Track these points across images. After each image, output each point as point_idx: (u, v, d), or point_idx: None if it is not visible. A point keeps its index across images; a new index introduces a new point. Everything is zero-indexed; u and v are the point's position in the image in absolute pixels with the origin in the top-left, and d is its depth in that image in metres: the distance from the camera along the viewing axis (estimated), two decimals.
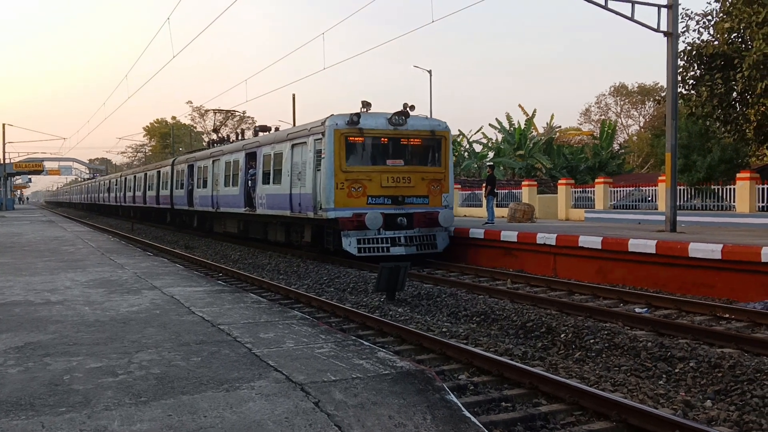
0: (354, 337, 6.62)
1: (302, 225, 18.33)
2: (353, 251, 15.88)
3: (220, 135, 31.93)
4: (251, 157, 21.86)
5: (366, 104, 17.09)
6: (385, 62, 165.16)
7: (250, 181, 21.77)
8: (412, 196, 16.79)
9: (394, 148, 16.90)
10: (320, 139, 16.47)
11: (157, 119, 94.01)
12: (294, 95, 43.86)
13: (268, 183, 19.83)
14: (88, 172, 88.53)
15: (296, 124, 26.29)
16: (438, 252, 16.92)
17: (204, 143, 72.20)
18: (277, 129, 23.82)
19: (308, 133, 17.26)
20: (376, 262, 14.95)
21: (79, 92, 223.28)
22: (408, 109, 16.94)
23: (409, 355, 7.46)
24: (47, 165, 76.80)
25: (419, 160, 17.31)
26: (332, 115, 16.52)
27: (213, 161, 25.84)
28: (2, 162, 60.66)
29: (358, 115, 16.34)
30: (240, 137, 27.07)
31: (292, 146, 18.22)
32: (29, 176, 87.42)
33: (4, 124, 60.54)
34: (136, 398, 4.37)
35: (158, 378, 4.84)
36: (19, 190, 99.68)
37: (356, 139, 16.44)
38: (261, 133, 23.36)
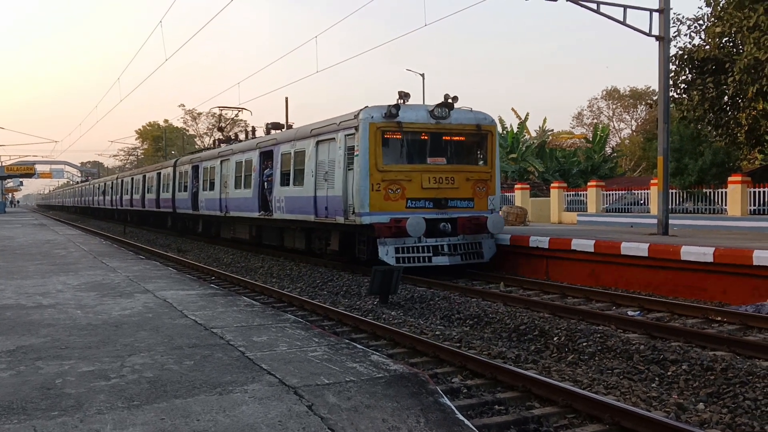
0: (347, 341, 6.62)
1: (328, 231, 16.55)
2: (391, 261, 14.12)
3: (226, 134, 30.13)
4: (267, 156, 19.92)
5: (404, 95, 15.14)
6: (380, 64, 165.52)
7: (265, 183, 19.93)
8: (456, 199, 15.01)
9: (436, 144, 15.10)
10: (353, 134, 14.65)
11: (150, 122, 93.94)
12: (287, 98, 43.68)
13: (288, 184, 17.96)
14: (80, 175, 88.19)
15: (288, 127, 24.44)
16: (484, 262, 15.22)
17: (196, 146, 72.17)
18: (290, 127, 21.84)
19: (337, 128, 15.38)
20: (415, 273, 14.17)
21: (71, 95, 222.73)
22: (450, 100, 15.09)
23: (402, 359, 7.46)
24: (39, 168, 76.40)
25: (463, 158, 15.58)
26: (367, 106, 14.71)
27: (221, 161, 23.88)
28: None
29: (397, 106, 14.55)
30: (252, 135, 24.97)
31: (317, 143, 16.36)
32: (20, 179, 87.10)
33: None
34: (129, 402, 4.35)
35: (151, 382, 4.82)
36: (10, 194, 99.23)
37: (394, 134, 14.68)
38: (273, 131, 21.68)
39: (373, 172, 14.29)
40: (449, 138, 15.29)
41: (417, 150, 15.09)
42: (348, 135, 14.93)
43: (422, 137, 15.03)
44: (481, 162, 15.71)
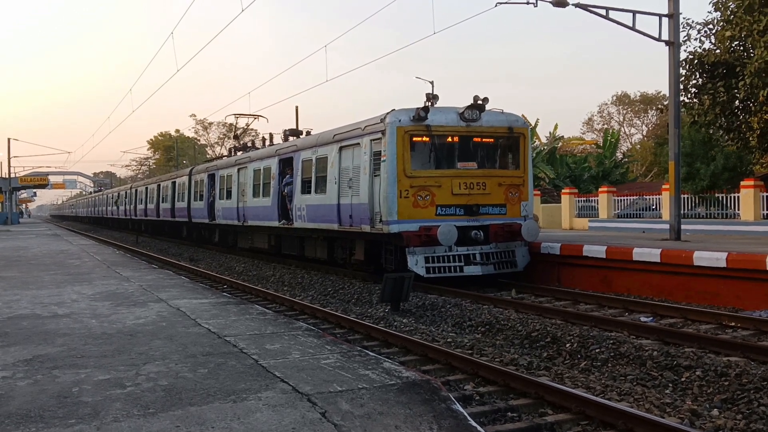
0: (359, 348, 6.65)
1: (352, 240, 15.91)
2: (421, 272, 13.42)
3: (241, 142, 29.81)
4: (286, 163, 19.34)
5: (432, 97, 14.50)
6: (389, 71, 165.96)
7: (285, 191, 19.35)
8: (488, 205, 14.32)
9: (466, 148, 14.51)
10: (379, 139, 14.05)
11: (161, 132, 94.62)
12: (297, 107, 43.86)
13: (309, 192, 17.37)
14: (92, 185, 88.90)
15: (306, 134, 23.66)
16: (518, 271, 14.48)
17: (208, 155, 72.59)
18: (308, 134, 21.32)
19: (362, 133, 14.78)
20: (445, 283, 13.53)
21: (83, 106, 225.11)
22: (481, 101, 14.40)
23: (414, 366, 7.46)
24: (52, 179, 76.97)
25: (495, 162, 14.95)
26: (393, 110, 14.11)
27: (238, 169, 23.31)
28: (8, 176, 60.98)
29: (426, 109, 13.85)
30: (269, 143, 24.27)
31: (341, 149, 15.75)
32: (34, 190, 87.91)
33: (9, 139, 60.95)
34: (145, 410, 4.40)
35: (166, 389, 4.87)
36: (24, 204, 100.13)
37: (422, 138, 14.04)
38: (291, 138, 21.30)
39: (401, 178, 13.65)
40: (480, 141, 14.69)
41: (446, 154, 14.49)
42: (374, 140, 14.34)
43: (452, 141, 14.44)
44: (513, 166, 15.00)
